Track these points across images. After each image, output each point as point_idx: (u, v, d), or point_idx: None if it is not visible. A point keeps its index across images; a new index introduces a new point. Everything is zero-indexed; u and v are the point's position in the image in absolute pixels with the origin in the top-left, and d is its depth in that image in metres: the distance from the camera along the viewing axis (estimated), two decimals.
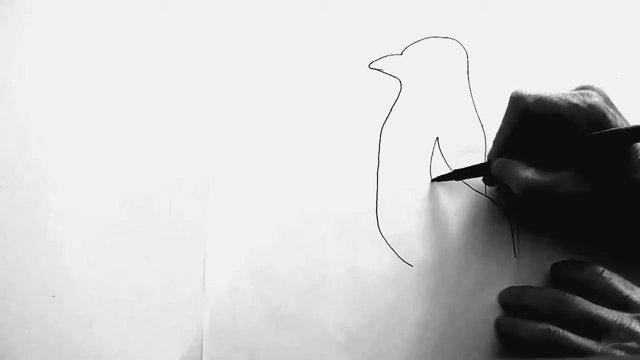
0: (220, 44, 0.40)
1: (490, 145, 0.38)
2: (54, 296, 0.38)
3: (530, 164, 0.33)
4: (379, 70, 0.39)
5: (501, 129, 0.35)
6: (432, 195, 0.38)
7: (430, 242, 0.38)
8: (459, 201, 0.38)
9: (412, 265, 0.37)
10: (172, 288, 0.38)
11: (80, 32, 0.41)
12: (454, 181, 0.38)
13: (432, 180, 0.38)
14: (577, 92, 0.32)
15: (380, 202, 0.38)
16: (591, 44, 0.39)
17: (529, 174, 0.32)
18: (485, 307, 0.37)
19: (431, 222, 0.38)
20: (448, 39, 0.40)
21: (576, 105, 0.31)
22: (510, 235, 0.37)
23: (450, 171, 0.38)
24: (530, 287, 0.36)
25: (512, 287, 0.37)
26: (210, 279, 0.38)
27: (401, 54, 0.39)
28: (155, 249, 0.38)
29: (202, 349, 0.37)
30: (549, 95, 0.32)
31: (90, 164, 0.39)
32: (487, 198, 0.38)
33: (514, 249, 0.37)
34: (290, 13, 0.40)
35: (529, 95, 0.32)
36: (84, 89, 0.40)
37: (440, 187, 0.38)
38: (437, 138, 0.39)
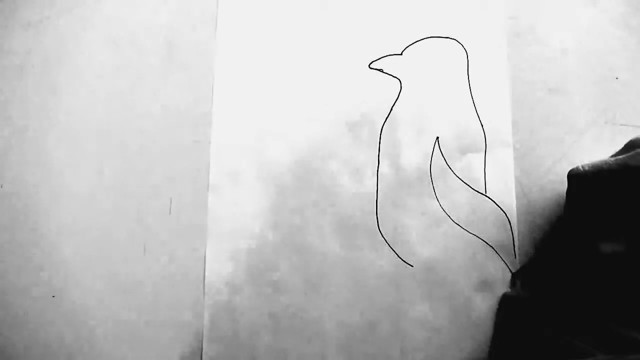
0: (219, 50, 0.40)
1: (489, 145, 0.38)
2: (54, 296, 0.38)
3: (605, 235, 0.32)
4: (379, 70, 0.39)
5: (566, 209, 0.34)
6: (432, 195, 0.38)
7: (430, 242, 0.37)
8: (459, 201, 0.38)
9: (412, 265, 0.37)
10: (172, 288, 0.38)
11: (78, 37, 0.41)
12: (455, 180, 0.38)
13: (514, 274, 0.37)
14: (632, 153, 0.31)
15: (380, 202, 0.38)
16: (591, 44, 0.39)
17: (608, 248, 0.31)
18: (485, 307, 0.37)
19: (431, 222, 0.38)
20: (448, 39, 0.40)
21: (636, 167, 0.30)
22: (510, 235, 0.37)
23: (532, 254, 0.36)
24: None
25: (515, 289, 0.37)
26: (210, 279, 0.38)
27: (401, 54, 0.39)
28: (155, 248, 0.38)
29: (202, 349, 0.37)
30: (605, 164, 0.31)
31: (90, 164, 0.39)
32: (487, 198, 0.38)
33: (514, 249, 0.37)
34: (290, 13, 0.40)
35: (586, 171, 0.32)
36: (81, 90, 0.40)
37: (440, 187, 0.38)
38: (437, 138, 0.39)
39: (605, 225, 0.32)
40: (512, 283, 0.37)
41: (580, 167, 0.32)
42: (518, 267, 0.37)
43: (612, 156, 0.32)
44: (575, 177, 0.32)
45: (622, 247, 0.31)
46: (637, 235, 0.30)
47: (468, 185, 0.38)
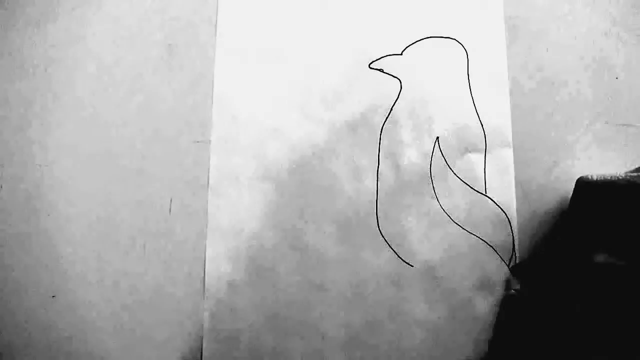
0: (219, 50, 0.40)
1: (489, 145, 0.38)
2: (54, 296, 0.38)
3: (600, 246, 0.32)
4: (379, 70, 0.39)
5: (568, 213, 0.34)
6: (432, 195, 0.38)
7: (430, 242, 0.38)
8: (459, 201, 0.38)
9: (412, 265, 0.37)
10: (172, 288, 0.38)
11: (78, 37, 0.41)
12: (455, 180, 0.38)
13: (511, 269, 0.37)
14: None
15: (380, 202, 0.38)
16: (591, 44, 0.39)
17: (602, 259, 0.32)
18: (485, 307, 0.37)
19: (431, 222, 0.38)
20: (448, 39, 0.40)
21: None
22: (510, 235, 0.37)
23: (528, 257, 0.37)
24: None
25: (517, 290, 0.37)
26: (210, 279, 0.38)
27: (401, 54, 0.39)
28: (155, 248, 0.38)
29: (202, 349, 0.37)
30: (616, 179, 0.32)
31: (90, 164, 0.39)
32: (487, 198, 0.38)
33: (514, 249, 0.37)
34: (290, 13, 0.40)
35: (596, 180, 0.32)
36: (81, 89, 0.40)
37: (440, 187, 0.38)
38: (437, 138, 0.39)
39: (603, 236, 0.32)
40: (513, 273, 0.37)
41: (590, 176, 0.32)
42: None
43: (629, 172, 0.33)
44: (584, 184, 0.33)
45: (617, 260, 0.31)
46: (636, 251, 0.31)
47: (468, 185, 0.38)
